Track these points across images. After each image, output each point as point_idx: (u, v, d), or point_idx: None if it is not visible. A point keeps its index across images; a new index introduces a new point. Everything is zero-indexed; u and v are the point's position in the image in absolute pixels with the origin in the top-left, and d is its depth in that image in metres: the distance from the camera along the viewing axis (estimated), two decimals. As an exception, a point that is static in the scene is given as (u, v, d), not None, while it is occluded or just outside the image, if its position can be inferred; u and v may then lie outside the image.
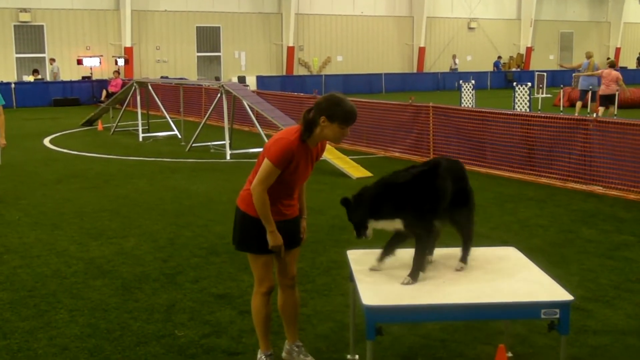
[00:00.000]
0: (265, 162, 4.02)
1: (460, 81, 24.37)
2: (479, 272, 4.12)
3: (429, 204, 4.04)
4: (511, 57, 45.00)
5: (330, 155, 12.31)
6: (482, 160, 12.04)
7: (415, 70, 40.97)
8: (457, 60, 38.70)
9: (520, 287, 3.88)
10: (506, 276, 4.07)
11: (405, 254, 4.15)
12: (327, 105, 3.99)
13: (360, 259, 4.35)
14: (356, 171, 11.69)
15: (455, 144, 12.63)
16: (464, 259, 4.20)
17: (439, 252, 4.34)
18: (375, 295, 3.76)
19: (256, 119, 14.89)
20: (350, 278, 4.27)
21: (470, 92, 22.58)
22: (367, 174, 11.56)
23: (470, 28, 43.52)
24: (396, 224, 4.07)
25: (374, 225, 4.11)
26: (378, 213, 4.05)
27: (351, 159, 12.38)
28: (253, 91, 17.15)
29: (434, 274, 4.09)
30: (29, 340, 4.94)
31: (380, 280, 4.00)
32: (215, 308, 5.54)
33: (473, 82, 23.34)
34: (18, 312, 5.46)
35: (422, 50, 41.34)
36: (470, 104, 22.04)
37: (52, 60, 30.19)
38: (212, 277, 6.30)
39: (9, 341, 4.93)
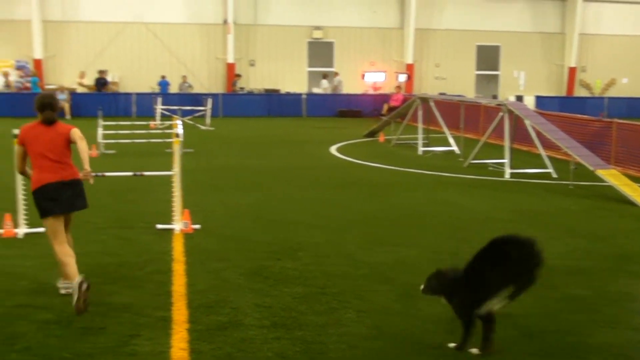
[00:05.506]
0: None
1: None
2: None
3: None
4: None
5: (618, 181, 11.56)
6: None
7: None
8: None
9: None
10: None
11: None
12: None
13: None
14: (646, 200, 10.81)
15: None
16: None
17: None
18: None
19: (537, 140, 14.50)
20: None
21: None
22: (657, 203, 10.67)
23: None
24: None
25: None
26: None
27: (640, 186, 11.50)
28: (534, 111, 16.67)
29: None
30: (321, 334, 5.28)
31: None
32: (499, 328, 5.47)
33: None
34: (311, 307, 5.88)
35: None
36: None
37: (336, 73, 32.19)
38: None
39: (303, 332, 5.32)
